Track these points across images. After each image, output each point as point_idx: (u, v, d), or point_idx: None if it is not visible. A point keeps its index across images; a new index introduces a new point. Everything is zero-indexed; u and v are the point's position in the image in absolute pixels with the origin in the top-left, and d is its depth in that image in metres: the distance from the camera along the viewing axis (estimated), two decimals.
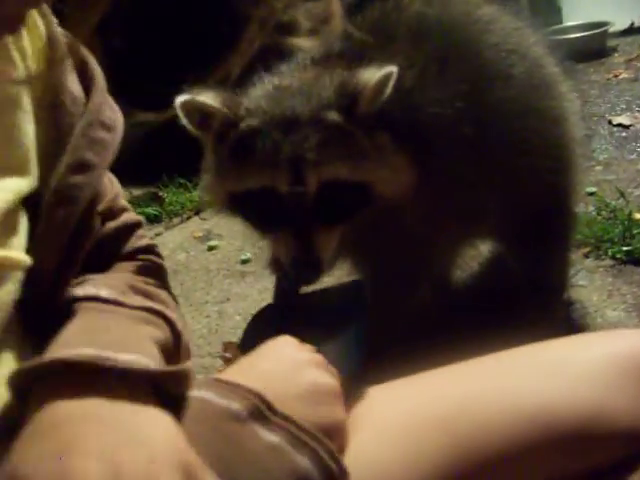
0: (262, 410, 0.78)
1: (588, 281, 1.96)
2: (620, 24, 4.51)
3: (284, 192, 1.27)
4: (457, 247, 1.79)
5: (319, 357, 0.93)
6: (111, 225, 1.00)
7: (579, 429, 0.89)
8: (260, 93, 1.37)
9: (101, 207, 0.98)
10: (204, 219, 2.96)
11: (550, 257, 1.89)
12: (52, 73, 0.89)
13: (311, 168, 1.27)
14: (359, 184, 1.32)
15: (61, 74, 0.90)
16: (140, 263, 1.01)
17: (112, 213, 1.01)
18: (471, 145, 1.44)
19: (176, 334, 0.89)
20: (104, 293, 0.85)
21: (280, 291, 1.58)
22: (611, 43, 4.34)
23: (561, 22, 4.78)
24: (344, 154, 1.30)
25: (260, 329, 1.46)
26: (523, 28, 1.71)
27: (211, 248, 2.66)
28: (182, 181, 3.19)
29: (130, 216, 1.05)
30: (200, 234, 2.80)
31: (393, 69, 1.27)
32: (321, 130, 1.28)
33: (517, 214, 1.69)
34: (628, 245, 2.03)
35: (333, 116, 1.29)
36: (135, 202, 3.12)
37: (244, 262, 2.49)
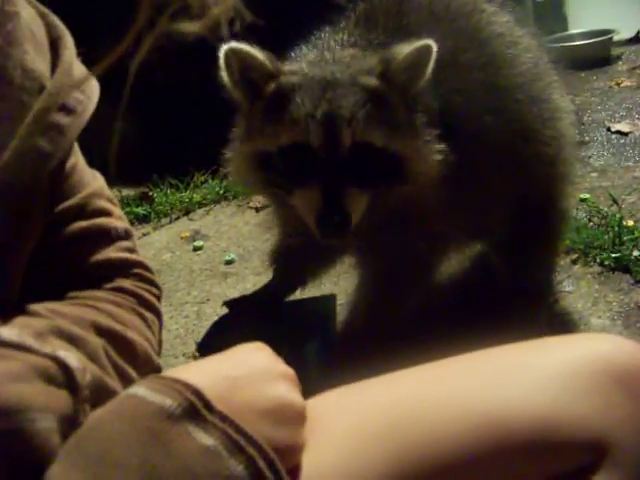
0: (198, 408, 0.72)
1: (574, 287, 1.90)
2: (625, 33, 4.47)
3: (317, 147, 1.28)
4: (462, 244, 1.76)
5: (291, 372, 0.87)
6: (81, 224, 0.92)
7: (534, 437, 0.84)
8: (300, 60, 1.42)
9: (69, 203, 0.91)
10: (192, 220, 2.92)
11: (536, 262, 1.85)
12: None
13: (345, 126, 1.27)
14: (392, 155, 1.33)
15: (12, 40, 0.82)
16: (115, 291, 0.93)
17: (83, 212, 0.93)
18: (488, 133, 1.44)
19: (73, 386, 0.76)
20: (5, 333, 0.74)
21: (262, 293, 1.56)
22: (616, 51, 4.29)
23: (566, 29, 4.73)
24: (379, 118, 1.30)
25: (224, 331, 1.42)
26: (515, 21, 1.70)
27: (196, 248, 2.62)
28: (173, 181, 3.16)
29: (109, 221, 0.96)
30: (187, 234, 2.76)
31: (429, 42, 1.29)
32: (358, 92, 1.30)
33: (509, 214, 1.65)
34: (617, 252, 1.97)
35: (370, 80, 1.32)
36: (125, 202, 3.09)
37: (228, 263, 2.44)
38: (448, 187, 1.39)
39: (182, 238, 2.75)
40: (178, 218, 2.97)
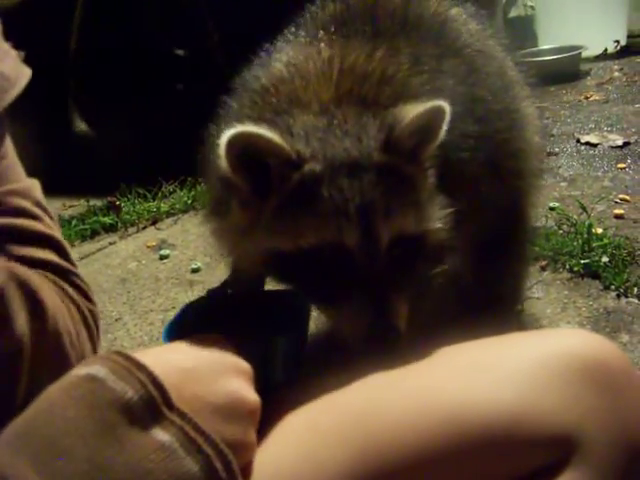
0: (158, 403, 0.69)
1: (544, 293, 1.89)
2: (594, 49, 4.53)
3: (353, 248, 1.06)
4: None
5: (247, 366, 0.84)
6: None
7: (501, 432, 0.81)
8: (301, 127, 1.14)
9: None
10: (160, 229, 2.88)
11: (505, 268, 1.82)
12: None
13: (382, 219, 1.06)
14: (420, 237, 1.13)
15: None
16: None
17: None
18: (471, 145, 1.31)
19: None
20: None
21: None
22: (584, 67, 4.35)
23: (536, 45, 4.79)
24: (406, 200, 1.10)
25: (188, 322, 1.37)
26: (484, 30, 1.67)
27: (162, 257, 2.57)
28: (141, 191, 3.12)
29: (32, 224, 0.89)
30: (154, 243, 2.71)
31: (441, 104, 1.09)
32: (383, 175, 1.08)
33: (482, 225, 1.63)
34: (587, 258, 1.96)
35: (381, 156, 1.10)
36: (92, 211, 3.04)
37: (194, 271, 2.40)
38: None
39: (149, 247, 2.70)
40: (145, 227, 2.92)
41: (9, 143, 0.90)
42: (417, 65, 1.28)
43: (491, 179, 1.43)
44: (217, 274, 2.34)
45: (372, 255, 1.05)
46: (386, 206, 1.06)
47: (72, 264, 0.93)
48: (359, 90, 1.20)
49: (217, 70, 3.13)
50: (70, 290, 0.89)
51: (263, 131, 1.05)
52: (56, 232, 0.92)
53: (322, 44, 1.32)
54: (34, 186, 0.93)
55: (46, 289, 0.84)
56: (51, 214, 0.93)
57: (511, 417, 0.81)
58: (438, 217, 1.17)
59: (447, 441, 0.81)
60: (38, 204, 0.91)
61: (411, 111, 1.11)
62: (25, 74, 0.87)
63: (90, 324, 0.92)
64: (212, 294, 1.51)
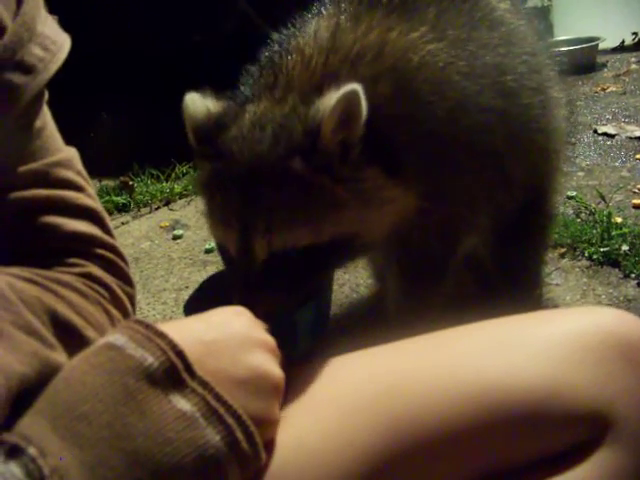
0: (179, 370, 0.67)
1: (562, 280, 1.87)
2: (611, 41, 4.50)
3: (234, 255, 1.10)
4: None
5: (271, 340, 0.82)
6: (42, 192, 0.84)
7: (532, 409, 0.79)
8: (235, 125, 1.14)
9: (28, 166, 0.83)
10: (173, 210, 2.87)
11: (525, 253, 1.81)
12: None
13: (260, 237, 1.07)
14: (323, 245, 1.10)
15: None
16: (83, 273, 0.85)
17: (45, 179, 0.85)
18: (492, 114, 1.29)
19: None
20: None
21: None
22: (601, 59, 4.32)
23: (553, 36, 4.74)
24: (305, 216, 1.08)
25: (209, 297, 1.35)
26: (518, 11, 1.64)
27: (176, 237, 2.56)
28: (154, 172, 3.10)
29: (77, 196, 0.87)
30: (167, 224, 2.70)
31: (353, 87, 1.04)
32: (283, 185, 1.07)
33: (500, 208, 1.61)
34: (606, 246, 1.94)
35: (298, 165, 1.07)
36: (104, 190, 3.03)
37: (208, 251, 2.39)
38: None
39: (162, 227, 2.69)
40: (158, 208, 2.91)
41: (47, 112, 0.88)
42: (434, 32, 1.25)
43: (514, 155, 1.42)
44: None
45: (248, 266, 1.08)
46: (269, 222, 1.06)
47: (112, 236, 0.92)
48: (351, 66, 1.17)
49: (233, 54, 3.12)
50: (111, 309, 0.87)
51: (190, 107, 1.13)
52: (97, 203, 0.91)
53: (342, 17, 1.27)
54: (74, 155, 0.91)
55: (92, 321, 0.82)
56: (89, 181, 0.91)
57: (546, 392, 0.79)
58: (372, 218, 1.15)
59: (478, 417, 0.79)
60: (80, 173, 0.89)
61: (326, 103, 1.06)
62: (66, 39, 0.84)
63: (128, 312, 0.90)
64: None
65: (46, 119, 0.88)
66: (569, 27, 4.70)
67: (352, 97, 1.04)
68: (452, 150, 1.25)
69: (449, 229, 1.41)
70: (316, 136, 1.06)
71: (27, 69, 0.77)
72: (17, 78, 0.76)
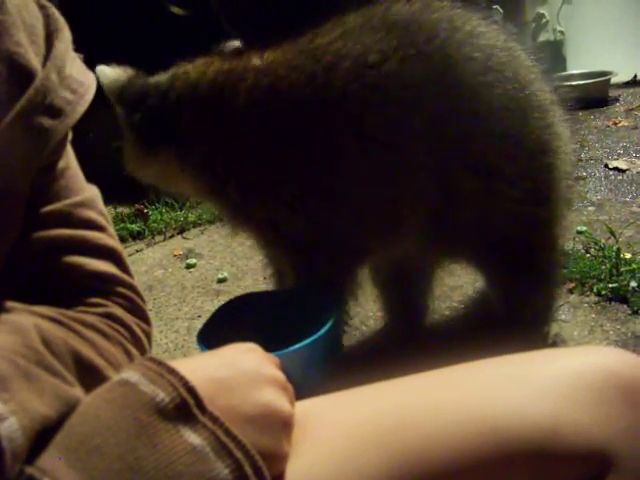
0: (190, 406, 0.69)
1: (570, 316, 1.89)
2: (623, 76, 4.52)
3: None
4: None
5: (281, 376, 0.84)
6: (65, 232, 0.85)
7: (535, 446, 0.81)
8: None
9: (52, 207, 0.84)
10: (187, 238, 2.90)
11: (530, 289, 1.81)
12: None
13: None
14: None
15: (1, 31, 0.75)
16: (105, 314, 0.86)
17: (68, 220, 0.86)
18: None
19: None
20: None
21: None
22: (613, 93, 4.34)
23: (565, 70, 4.79)
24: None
25: (222, 325, 1.38)
26: (514, 49, 1.66)
27: (189, 266, 2.60)
28: (169, 200, 3.14)
29: (99, 236, 0.88)
30: (180, 252, 2.74)
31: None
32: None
33: (492, 242, 1.63)
34: (615, 282, 1.95)
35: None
36: (119, 218, 3.08)
37: (220, 281, 2.42)
38: None
39: (175, 256, 2.72)
40: (172, 236, 2.95)
41: (70, 151, 0.90)
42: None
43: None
44: (243, 285, 2.36)
45: None
46: None
47: (130, 275, 0.93)
48: None
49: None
50: (131, 349, 0.88)
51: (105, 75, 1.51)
52: (117, 242, 0.93)
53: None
54: (96, 194, 0.93)
55: (113, 362, 0.83)
56: (109, 220, 0.93)
57: (547, 430, 0.81)
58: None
59: (485, 452, 0.80)
60: (101, 213, 0.91)
61: None
62: (93, 80, 0.87)
63: (145, 350, 0.92)
64: (241, 297, 1.53)
65: (69, 159, 0.90)
66: (582, 61, 4.74)
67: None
68: None
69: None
70: None
71: (56, 112, 0.79)
72: (46, 122, 0.77)
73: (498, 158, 1.53)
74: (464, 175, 1.51)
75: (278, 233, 1.54)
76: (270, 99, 1.47)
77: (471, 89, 1.49)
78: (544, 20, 5.14)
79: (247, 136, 1.47)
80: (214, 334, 1.32)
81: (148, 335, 0.95)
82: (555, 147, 1.64)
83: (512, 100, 1.53)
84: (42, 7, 0.83)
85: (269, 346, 0.88)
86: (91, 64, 0.91)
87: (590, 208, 2.63)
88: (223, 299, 2.27)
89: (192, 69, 1.53)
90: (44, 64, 0.79)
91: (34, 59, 0.78)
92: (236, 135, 1.47)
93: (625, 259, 2.07)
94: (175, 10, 3.28)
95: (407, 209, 1.54)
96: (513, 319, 1.76)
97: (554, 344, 1.77)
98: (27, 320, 0.75)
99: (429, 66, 1.47)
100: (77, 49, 0.87)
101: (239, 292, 2.30)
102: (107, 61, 1.50)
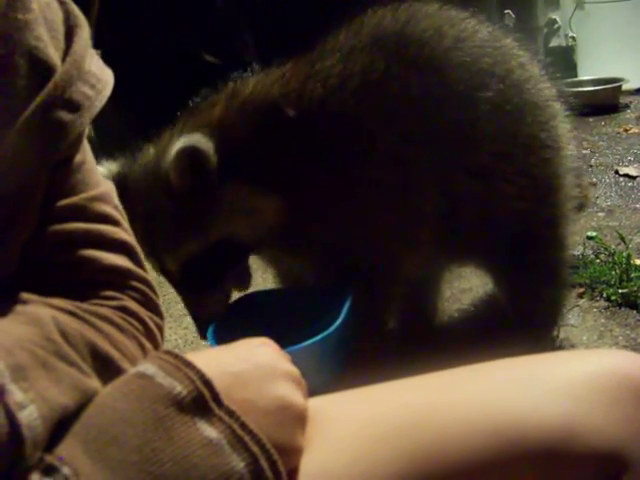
0: (206, 399, 0.70)
1: (580, 321, 1.89)
2: (634, 82, 4.52)
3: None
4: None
5: (295, 371, 0.85)
6: (80, 226, 0.85)
7: (549, 448, 0.81)
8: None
9: (67, 201, 0.84)
10: None
11: (537, 290, 1.80)
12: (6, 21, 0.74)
13: (163, 257, 1.42)
14: (218, 244, 1.39)
15: (22, 26, 0.75)
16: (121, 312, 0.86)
17: (84, 214, 0.86)
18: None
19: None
20: None
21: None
22: (624, 100, 4.34)
23: (576, 76, 4.78)
24: (185, 233, 1.38)
25: (233, 321, 1.39)
26: (507, 47, 1.66)
27: None
28: None
29: (114, 231, 0.89)
30: None
31: (187, 143, 1.32)
32: (158, 215, 1.37)
33: (498, 243, 1.63)
34: (624, 288, 1.96)
35: (163, 197, 1.37)
36: None
37: None
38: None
39: None
40: None
41: (87, 146, 0.90)
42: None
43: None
44: (254, 282, 2.36)
45: (172, 280, 1.50)
46: (160, 246, 1.39)
47: (144, 269, 0.93)
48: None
49: None
50: (145, 343, 0.88)
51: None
52: (131, 236, 0.93)
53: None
54: (112, 189, 0.93)
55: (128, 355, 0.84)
56: (124, 214, 0.94)
57: (562, 431, 0.81)
58: (242, 219, 1.41)
59: (500, 452, 0.81)
60: (116, 207, 0.91)
61: (169, 152, 1.34)
62: (110, 75, 0.87)
63: (158, 344, 0.92)
64: (251, 295, 1.54)
65: (86, 153, 0.90)
66: (593, 67, 4.74)
67: (188, 150, 1.31)
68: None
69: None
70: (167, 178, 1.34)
71: (75, 107, 0.79)
72: (65, 116, 0.78)
73: (495, 157, 1.54)
74: (464, 179, 1.52)
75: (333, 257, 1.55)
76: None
77: (463, 94, 1.50)
78: (556, 25, 5.15)
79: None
80: (225, 330, 1.32)
81: (161, 329, 0.96)
82: (554, 142, 1.64)
83: (505, 99, 1.54)
84: (62, 3, 0.84)
85: (280, 343, 0.88)
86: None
87: (600, 214, 2.64)
88: (233, 296, 2.28)
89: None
90: (64, 59, 0.80)
91: (54, 54, 0.79)
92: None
93: (635, 265, 2.07)
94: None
95: (422, 221, 1.55)
96: (522, 321, 1.76)
97: (563, 348, 1.78)
98: (44, 312, 0.76)
99: (422, 78, 1.48)
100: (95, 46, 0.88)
101: (249, 289, 2.31)
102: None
